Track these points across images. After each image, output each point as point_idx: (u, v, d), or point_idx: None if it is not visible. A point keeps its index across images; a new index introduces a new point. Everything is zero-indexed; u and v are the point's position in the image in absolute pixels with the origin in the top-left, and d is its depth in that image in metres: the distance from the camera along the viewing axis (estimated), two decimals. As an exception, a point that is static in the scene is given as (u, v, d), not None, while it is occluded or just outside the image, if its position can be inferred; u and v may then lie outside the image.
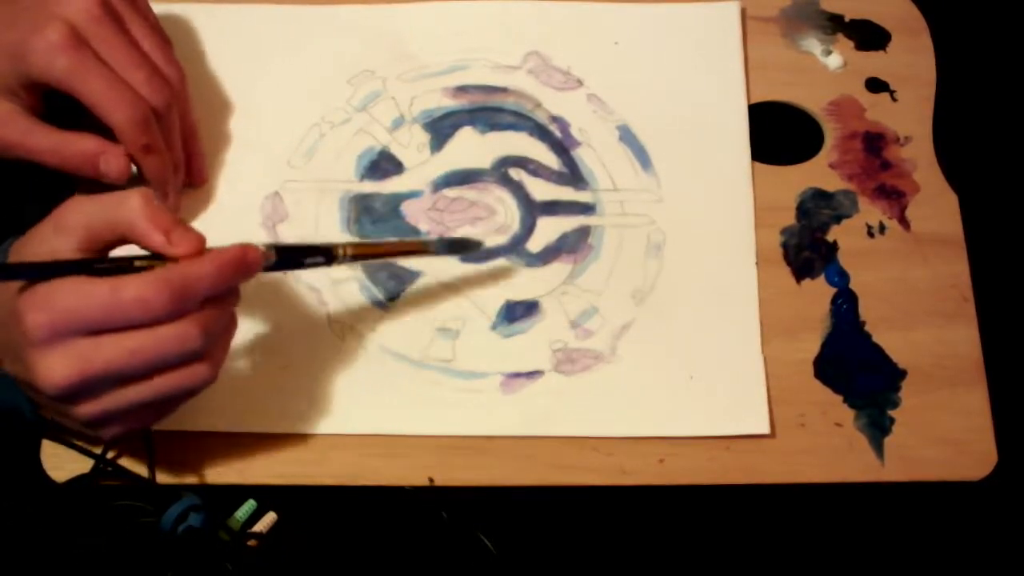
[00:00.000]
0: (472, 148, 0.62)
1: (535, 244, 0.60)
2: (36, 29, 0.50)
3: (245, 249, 0.46)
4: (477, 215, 0.60)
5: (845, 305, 0.59)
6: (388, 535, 0.53)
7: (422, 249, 0.57)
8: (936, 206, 0.61)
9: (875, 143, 0.63)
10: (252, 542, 0.52)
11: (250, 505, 0.52)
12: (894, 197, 0.62)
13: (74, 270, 0.43)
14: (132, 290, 0.42)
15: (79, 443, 0.51)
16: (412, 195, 0.60)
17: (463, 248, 0.58)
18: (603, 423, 0.55)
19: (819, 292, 0.59)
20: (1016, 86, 0.67)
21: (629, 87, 0.63)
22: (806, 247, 0.60)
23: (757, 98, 0.64)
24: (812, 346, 0.58)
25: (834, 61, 0.65)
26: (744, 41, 0.65)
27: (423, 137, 0.62)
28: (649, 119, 0.62)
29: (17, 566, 0.49)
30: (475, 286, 0.58)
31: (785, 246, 0.60)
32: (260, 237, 0.58)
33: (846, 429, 0.56)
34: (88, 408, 0.44)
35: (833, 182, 0.62)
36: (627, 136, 0.62)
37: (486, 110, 0.63)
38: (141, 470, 0.52)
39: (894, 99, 0.64)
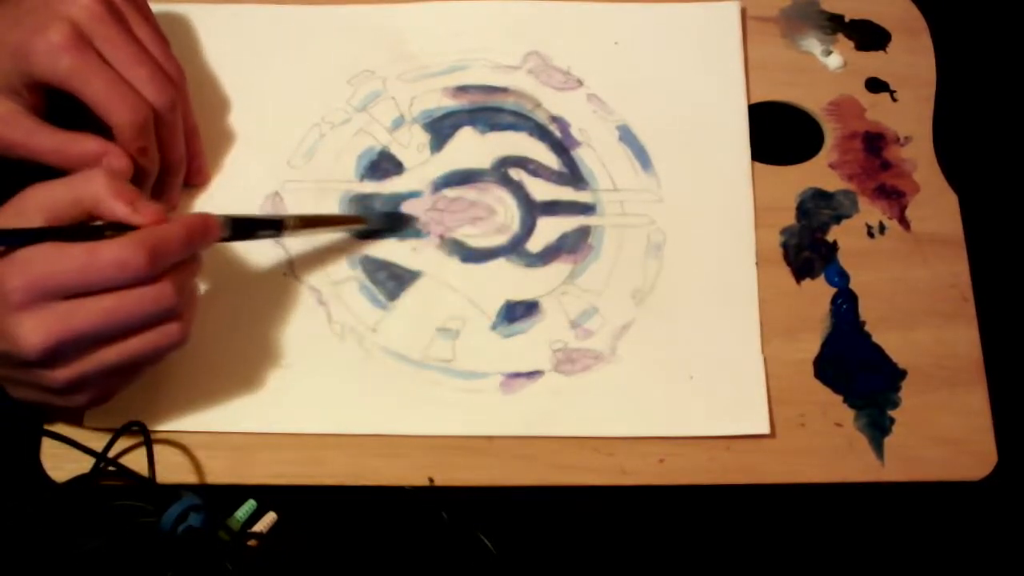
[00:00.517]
0: (472, 148, 0.62)
1: (535, 244, 0.60)
2: (39, 29, 0.50)
3: (205, 215, 0.49)
4: (477, 215, 0.60)
5: (845, 305, 0.59)
6: (388, 535, 0.53)
7: (360, 221, 0.59)
8: (936, 206, 0.61)
9: (875, 143, 0.63)
10: (252, 542, 0.52)
11: (250, 505, 0.52)
12: (894, 197, 0.62)
13: (46, 236, 0.44)
14: (111, 252, 0.44)
15: (79, 443, 0.51)
16: (412, 195, 0.60)
17: (399, 223, 0.59)
18: (603, 423, 0.55)
19: (819, 292, 0.59)
20: (1016, 86, 0.67)
21: (629, 87, 0.63)
22: (806, 247, 0.60)
23: (757, 98, 0.64)
24: (812, 346, 0.58)
25: (834, 61, 0.65)
26: (744, 41, 0.65)
27: (423, 137, 0.62)
28: (649, 119, 0.62)
29: (17, 566, 0.49)
30: (475, 286, 0.58)
31: (785, 246, 0.60)
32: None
33: (846, 429, 0.56)
34: (64, 373, 0.46)
35: (833, 182, 0.62)
36: (627, 136, 0.62)
37: (486, 110, 0.63)
38: (141, 470, 0.52)
39: (894, 99, 0.64)
